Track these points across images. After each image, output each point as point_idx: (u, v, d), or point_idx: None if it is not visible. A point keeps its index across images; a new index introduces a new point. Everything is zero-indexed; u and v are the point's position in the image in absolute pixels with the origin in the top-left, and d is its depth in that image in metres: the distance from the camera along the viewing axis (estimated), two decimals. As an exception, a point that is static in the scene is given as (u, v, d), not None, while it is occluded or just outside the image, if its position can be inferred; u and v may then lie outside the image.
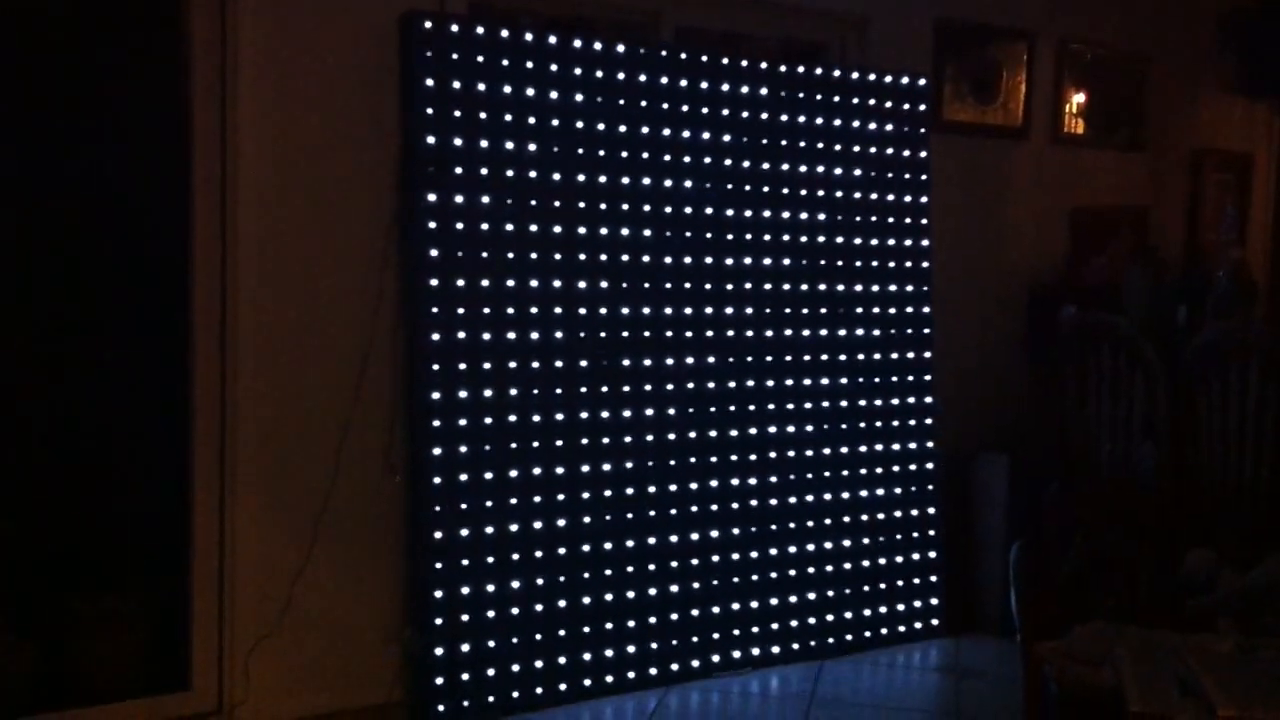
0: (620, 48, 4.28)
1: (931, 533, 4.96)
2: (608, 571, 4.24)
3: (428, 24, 3.93)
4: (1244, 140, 6.44)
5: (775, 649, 4.58)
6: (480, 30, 4.02)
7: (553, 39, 4.15)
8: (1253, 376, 4.14)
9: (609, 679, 4.25)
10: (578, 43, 4.20)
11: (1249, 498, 4.00)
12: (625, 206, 4.25)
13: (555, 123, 4.14)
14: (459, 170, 3.98)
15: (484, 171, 4.01)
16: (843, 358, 4.75)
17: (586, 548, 4.20)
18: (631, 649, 4.30)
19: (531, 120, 4.09)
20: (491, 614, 4.04)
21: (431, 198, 3.93)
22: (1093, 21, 5.71)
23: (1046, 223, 5.65)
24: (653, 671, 4.33)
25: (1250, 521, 3.84)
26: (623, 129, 4.26)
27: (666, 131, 4.34)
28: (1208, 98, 6.25)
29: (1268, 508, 3.92)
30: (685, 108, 4.38)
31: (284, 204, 3.84)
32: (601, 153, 4.21)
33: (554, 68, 4.14)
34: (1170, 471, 4.19)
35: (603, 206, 4.22)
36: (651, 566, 4.33)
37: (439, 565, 3.95)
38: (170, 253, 3.81)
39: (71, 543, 3.91)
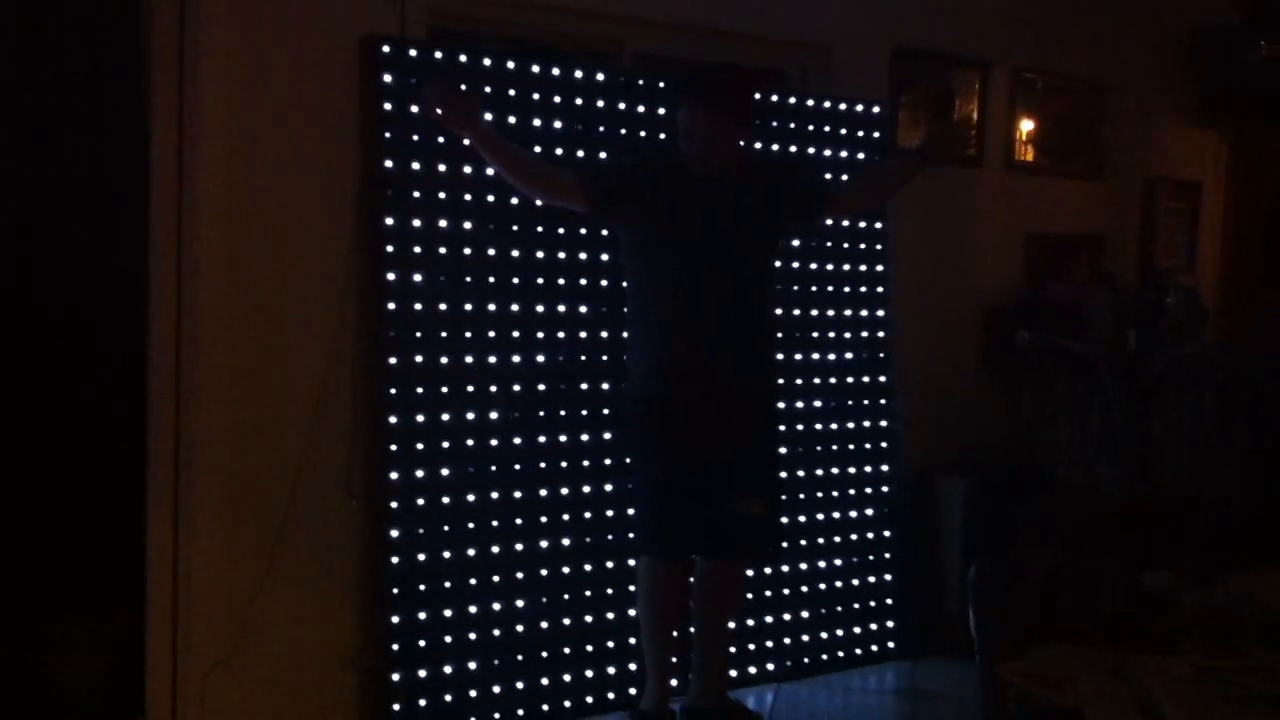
0: (579, 73, 4.28)
1: (889, 555, 4.97)
2: (566, 596, 4.22)
3: (386, 48, 3.93)
4: (1194, 170, 6.53)
5: (732, 672, 4.55)
6: (439, 55, 4.02)
7: (511, 64, 4.15)
8: (1208, 398, 4.19)
9: (567, 704, 4.23)
10: (536, 68, 4.20)
11: (1208, 517, 4.04)
12: (583, 230, 4.25)
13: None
14: (417, 194, 3.97)
15: (442, 195, 4.01)
16: (799, 380, 4.76)
17: (544, 572, 4.19)
18: (590, 674, 4.28)
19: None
20: (449, 639, 4.02)
21: (389, 221, 3.92)
22: (1048, 51, 5.77)
23: (1003, 249, 5.68)
24: (611, 696, 4.31)
25: (1210, 541, 3.87)
26: (581, 154, 4.26)
27: (625, 158, 4.34)
28: (1161, 127, 6.33)
29: (1227, 527, 3.96)
30: (644, 133, 4.39)
31: (243, 228, 3.82)
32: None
33: (512, 92, 4.14)
34: (1130, 491, 4.23)
35: (561, 230, 4.21)
36: (609, 590, 4.32)
37: (396, 590, 3.93)
38: (126, 271, 3.77)
39: (28, 563, 3.85)
